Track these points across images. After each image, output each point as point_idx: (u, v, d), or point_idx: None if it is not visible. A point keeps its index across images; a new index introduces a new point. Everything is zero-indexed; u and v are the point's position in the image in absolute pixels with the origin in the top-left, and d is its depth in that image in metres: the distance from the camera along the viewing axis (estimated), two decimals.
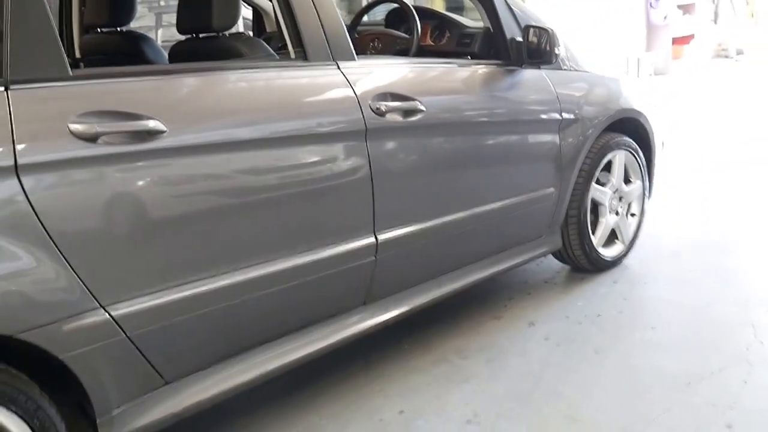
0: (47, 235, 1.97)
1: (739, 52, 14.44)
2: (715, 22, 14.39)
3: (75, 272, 2.02)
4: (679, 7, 12.53)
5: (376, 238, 2.81)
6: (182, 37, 2.85)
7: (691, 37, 12.94)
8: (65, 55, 2.08)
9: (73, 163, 2.02)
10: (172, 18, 3.03)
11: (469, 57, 3.58)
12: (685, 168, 6.73)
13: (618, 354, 3.27)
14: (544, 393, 2.97)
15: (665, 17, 11.87)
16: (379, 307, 2.98)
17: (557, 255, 4.08)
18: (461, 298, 3.62)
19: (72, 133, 2.01)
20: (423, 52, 3.67)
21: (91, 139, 2.04)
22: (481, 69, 3.34)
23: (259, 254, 2.46)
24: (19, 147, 1.92)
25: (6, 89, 1.94)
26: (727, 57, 14.28)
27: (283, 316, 2.64)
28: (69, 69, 2.08)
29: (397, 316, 3.04)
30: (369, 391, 3.01)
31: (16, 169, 1.92)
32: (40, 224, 1.95)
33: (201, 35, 2.78)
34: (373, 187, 2.74)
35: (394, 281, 2.99)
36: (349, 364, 3.20)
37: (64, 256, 2.00)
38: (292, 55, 2.70)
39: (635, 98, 4.19)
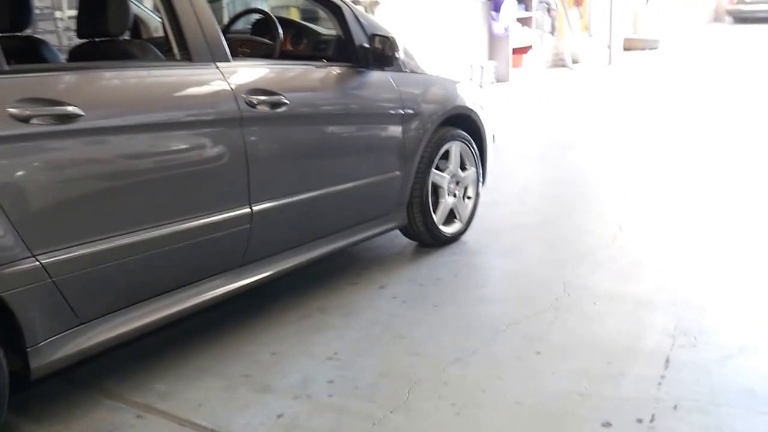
0: None
1: (575, 61, 15.55)
2: (552, 33, 15.51)
3: (13, 226, 2.54)
4: (518, 19, 13.53)
5: (251, 208, 3.39)
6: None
7: (529, 47, 13.98)
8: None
9: (11, 138, 2.54)
10: None
11: (324, 60, 4.19)
12: (514, 158, 7.57)
13: (453, 307, 3.94)
14: (392, 336, 3.61)
15: (505, 29, 12.84)
16: (254, 267, 3.56)
17: (405, 232, 4.73)
18: (322, 267, 4.29)
19: (11, 115, 2.52)
20: (285, 55, 4.27)
21: (25, 120, 2.56)
22: (334, 70, 3.98)
23: (155, 218, 3.01)
24: None
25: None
26: (563, 66, 15.37)
27: (175, 272, 3.19)
28: (5, 64, 2.59)
29: (269, 275, 3.62)
30: (245, 340, 3.59)
31: None
32: None
33: (98, 39, 3.31)
34: (248, 165, 3.33)
35: (265, 246, 3.58)
36: (228, 318, 3.76)
37: (5, 213, 2.51)
38: (178, 57, 3.26)
39: (469, 98, 4.89)
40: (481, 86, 12.15)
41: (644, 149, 7.61)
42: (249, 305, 3.88)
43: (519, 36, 13.46)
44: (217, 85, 3.23)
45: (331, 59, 4.20)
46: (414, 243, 4.88)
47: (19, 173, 2.58)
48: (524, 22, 13.65)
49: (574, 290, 4.06)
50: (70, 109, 2.67)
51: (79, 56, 3.37)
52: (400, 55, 4.13)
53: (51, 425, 2.90)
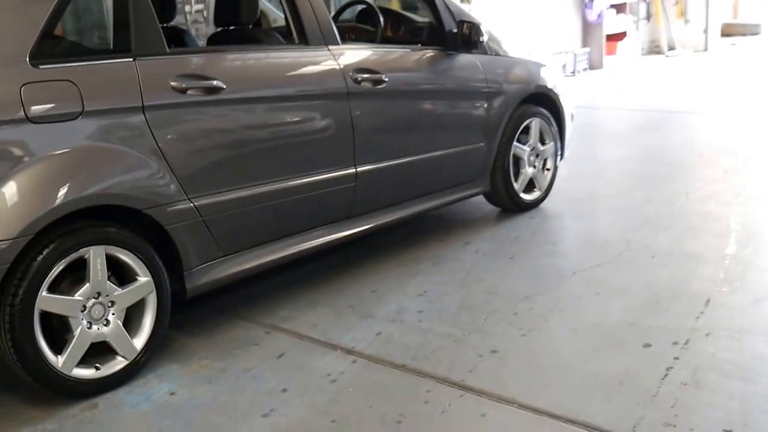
0: (159, 150, 3.23)
1: (671, 48, 15.67)
2: (648, 20, 15.72)
3: (174, 175, 3.29)
4: (613, 6, 13.84)
5: (356, 168, 4.08)
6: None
7: (624, 34, 14.28)
8: (163, 39, 3.35)
9: (173, 106, 3.29)
10: None
11: (419, 45, 4.85)
12: (599, 138, 8.08)
13: (526, 259, 4.55)
14: (472, 280, 4.25)
15: (598, 15, 13.20)
16: (358, 220, 4.24)
17: (489, 198, 5.33)
18: (415, 227, 5.00)
19: (173, 87, 3.28)
20: (385, 40, 4.95)
21: (182, 91, 3.31)
22: (427, 53, 4.63)
23: (281, 172, 3.72)
24: (144, 95, 3.18)
25: (134, 59, 3.20)
26: (659, 53, 15.55)
27: (295, 219, 3.90)
28: (166, 47, 3.35)
29: (371, 227, 4.30)
30: (350, 281, 4.29)
31: (143, 108, 3.18)
32: (155, 143, 3.22)
33: (231, 27, 4.05)
34: (353, 133, 4.01)
35: (367, 202, 4.25)
36: (335, 265, 4.48)
37: (168, 164, 3.27)
38: (296, 41, 3.98)
39: (551, 80, 5.46)
40: (573, 73, 12.58)
41: (731, 136, 7.89)
42: (353, 256, 4.59)
43: (613, 23, 13.76)
44: (329, 65, 3.93)
45: (425, 44, 4.85)
46: (497, 209, 5.48)
47: (179, 134, 3.32)
48: (619, 8, 13.94)
49: (636, 247, 4.60)
50: (216, 83, 3.40)
51: (216, 41, 4.13)
52: (485, 39, 4.74)
53: (199, 338, 3.66)
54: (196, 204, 3.37)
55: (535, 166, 5.39)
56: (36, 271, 2.88)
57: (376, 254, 4.66)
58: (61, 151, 2.96)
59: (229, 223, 3.54)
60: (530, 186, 5.45)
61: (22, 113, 2.84)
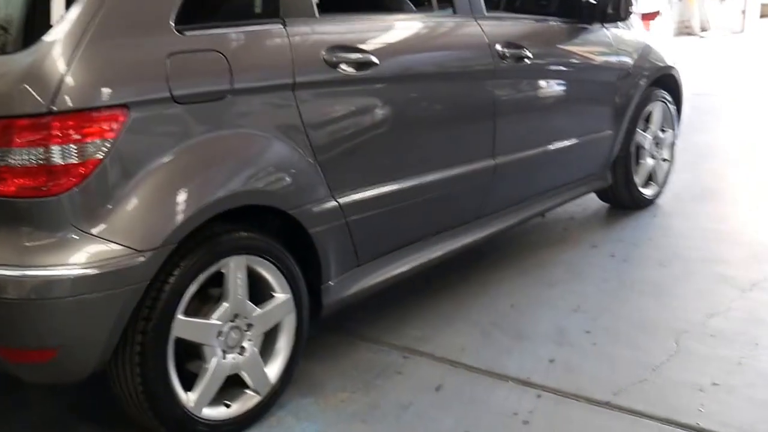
0: (307, 137, 2.60)
1: (704, 29, 15.09)
2: None
3: (320, 167, 2.66)
4: None
5: (494, 160, 3.46)
6: None
7: (657, 13, 13.67)
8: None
9: (325, 83, 2.65)
10: None
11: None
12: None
13: (680, 265, 3.94)
14: (628, 291, 3.65)
15: None
16: (488, 221, 3.62)
17: (601, 193, 4.72)
18: (521, 227, 4.28)
19: (324, 60, 2.63)
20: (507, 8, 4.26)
21: (334, 66, 2.67)
22: (562, 25, 3.98)
23: (424, 165, 3.11)
24: (296, 69, 2.54)
25: (283, 25, 2.56)
26: (690, 34, 14.95)
27: (432, 220, 3.28)
28: (316, 12, 2.71)
29: (501, 229, 3.69)
30: (475, 292, 3.66)
31: (293, 86, 2.54)
32: (304, 129, 2.58)
33: None
34: (495, 117, 3.39)
35: (499, 200, 3.64)
36: (447, 272, 3.80)
37: (314, 154, 2.63)
38: (436, 8, 3.37)
39: (670, 57, 4.86)
40: None
41: None
42: (464, 263, 3.92)
43: (647, 1, 13.13)
44: (477, 37, 3.31)
45: (553, 14, 4.14)
46: (603, 205, 4.89)
47: (327, 117, 2.70)
48: None
49: None
50: (370, 57, 2.75)
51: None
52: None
53: (322, 364, 3.02)
54: (341, 202, 2.75)
55: (654, 157, 4.77)
56: (173, 290, 2.26)
57: (487, 258, 4.05)
58: (205, 139, 2.35)
59: (369, 225, 2.93)
60: (647, 179, 4.85)
61: (167, 91, 2.23)
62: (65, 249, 2.10)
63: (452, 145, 3.24)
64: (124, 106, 2.13)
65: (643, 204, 4.81)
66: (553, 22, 3.94)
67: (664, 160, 4.93)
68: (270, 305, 2.56)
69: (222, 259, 2.38)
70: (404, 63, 2.98)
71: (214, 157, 2.36)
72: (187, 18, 2.33)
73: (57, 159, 2.06)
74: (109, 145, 2.11)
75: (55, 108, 2.03)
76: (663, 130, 4.84)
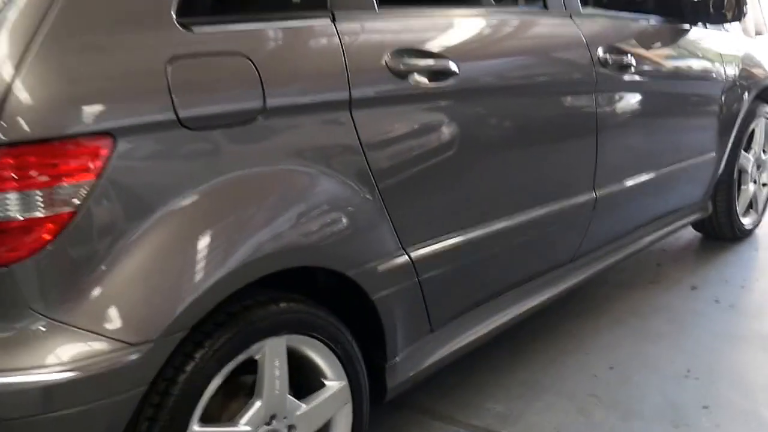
0: (370, 172, 1.93)
1: (758, 33, 14.27)
2: None
3: (388, 212, 1.99)
4: None
5: (595, 193, 2.81)
6: None
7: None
8: None
9: (391, 100, 1.99)
10: None
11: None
12: None
13: None
14: (744, 347, 3.00)
15: None
16: (582, 264, 2.96)
17: (696, 223, 4.01)
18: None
19: (389, 68, 1.96)
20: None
21: (402, 75, 2.00)
22: (663, 26, 3.29)
23: (515, 202, 2.45)
24: (351, 80, 1.87)
25: (332, 20, 1.89)
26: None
27: (521, 267, 2.64)
28: (376, 3, 2.04)
29: (595, 272, 3.03)
30: (565, 349, 3.00)
31: (350, 104, 1.87)
32: (365, 160, 1.91)
33: None
34: (597, 139, 2.72)
35: (596, 239, 2.97)
36: (532, 323, 3.12)
37: (381, 195, 1.97)
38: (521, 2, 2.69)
39: None
40: None
41: None
42: (547, 307, 3.20)
43: None
44: (575, 40, 2.64)
45: (650, 12, 3.43)
46: (696, 235, 4.24)
47: (395, 144, 2.05)
48: None
49: None
50: (447, 64, 2.09)
51: None
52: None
53: None
54: (414, 256, 2.10)
55: (755, 182, 4.06)
56: (184, 392, 1.61)
57: (576, 305, 3.36)
58: (227, 180, 1.67)
59: (448, 281, 2.29)
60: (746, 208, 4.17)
61: (171, 112, 1.57)
62: (22, 347, 1.45)
63: (548, 176, 2.60)
64: (107, 134, 1.48)
65: (743, 235, 4.14)
66: (652, 22, 3.23)
67: (764, 185, 4.21)
68: (319, 398, 1.92)
69: (254, 343, 1.74)
70: (490, 72, 2.32)
71: (240, 205, 1.70)
72: (197, 8, 1.70)
73: (10, 212, 1.40)
74: (86, 191, 1.46)
75: (2, 138, 1.37)
76: (765, 151, 4.12)
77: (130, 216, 1.51)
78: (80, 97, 1.45)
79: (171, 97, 1.56)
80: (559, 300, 2.97)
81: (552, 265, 2.80)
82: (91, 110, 1.46)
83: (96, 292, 1.48)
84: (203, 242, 1.60)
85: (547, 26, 2.62)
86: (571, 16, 2.67)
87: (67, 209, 1.44)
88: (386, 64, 1.97)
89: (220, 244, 1.62)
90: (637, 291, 3.56)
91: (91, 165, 1.45)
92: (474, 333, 2.46)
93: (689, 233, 4.21)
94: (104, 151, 1.46)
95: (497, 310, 2.57)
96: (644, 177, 3.09)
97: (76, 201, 1.44)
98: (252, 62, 1.70)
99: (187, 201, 1.59)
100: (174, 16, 1.62)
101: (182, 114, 1.57)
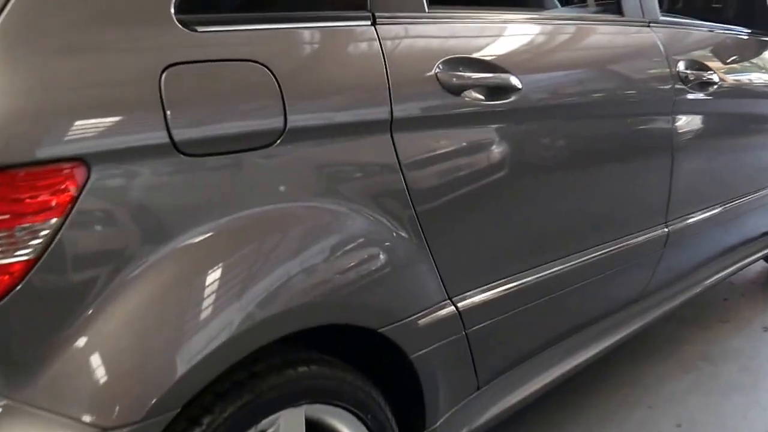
0: (413, 209, 1.59)
1: None
2: None
3: (433, 255, 1.66)
4: None
5: (667, 227, 2.46)
6: None
7: None
8: None
9: (440, 120, 1.65)
10: None
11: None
12: None
13: None
14: None
15: None
16: (649, 304, 2.60)
17: None
18: None
19: (440, 82, 1.62)
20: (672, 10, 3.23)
21: (455, 91, 1.66)
22: (741, 37, 2.95)
23: (579, 240, 2.11)
24: (393, 95, 1.53)
25: (373, 23, 1.55)
26: None
27: (581, 311, 2.30)
28: (425, 4, 1.70)
29: (663, 312, 2.66)
30: (626, 400, 2.66)
31: (391, 125, 1.54)
32: (407, 194, 1.58)
33: None
34: (672, 166, 2.37)
35: (666, 277, 2.61)
36: (590, 369, 2.78)
37: (425, 235, 1.63)
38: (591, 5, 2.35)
39: None
40: None
41: None
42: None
43: None
44: (654, 52, 2.29)
45: (729, 22, 3.08)
46: (765, 266, 3.85)
47: (445, 175, 1.71)
48: None
49: None
50: (510, 79, 1.74)
51: None
52: None
53: None
54: (461, 306, 1.75)
55: None
56: None
57: (635, 347, 2.98)
58: (237, 220, 1.35)
59: (499, 332, 1.94)
60: None
61: (164, 132, 1.25)
62: None
63: (617, 210, 2.26)
64: (79, 160, 1.16)
65: None
66: (736, 34, 2.87)
67: None
68: None
69: (266, 416, 1.39)
70: (556, 87, 1.98)
71: (249, 252, 1.37)
72: (204, 3, 1.38)
73: None
74: (48, 232, 1.14)
75: None
76: None
77: (106, 266, 1.19)
78: (41, 114, 1.13)
79: (164, 115, 1.23)
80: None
81: (615, 309, 2.44)
82: (55, 131, 1.14)
83: (60, 362, 1.16)
84: (201, 299, 1.27)
85: (622, 35, 2.27)
86: (649, 24, 2.31)
87: (23, 257, 1.11)
88: (436, 76, 1.63)
89: (222, 301, 1.29)
90: (704, 331, 3.21)
91: (54, 201, 1.13)
92: (527, 388, 2.12)
93: (758, 264, 3.80)
94: (73, 183, 1.14)
95: (553, 361, 2.22)
96: (721, 207, 2.73)
97: (33, 248, 1.11)
98: (271, 72, 1.37)
99: (181, 247, 1.26)
100: (173, 12, 1.30)
101: (178, 136, 1.24)
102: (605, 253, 2.20)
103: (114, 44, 1.23)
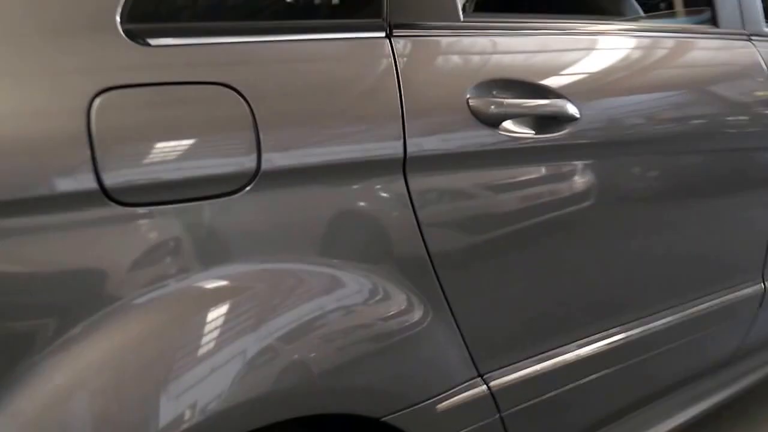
0: (433, 270, 1.26)
1: None
2: None
3: (456, 322, 1.32)
4: None
5: (764, 282, 2.04)
6: None
7: None
8: None
9: (471, 159, 1.31)
10: None
11: None
12: None
13: None
14: None
15: None
16: (741, 367, 2.21)
17: None
18: None
19: (472, 110, 1.29)
20: None
21: (492, 122, 1.32)
22: None
23: (654, 302, 1.74)
24: (407, 128, 1.20)
25: (389, 34, 1.23)
26: None
27: (656, 383, 1.92)
28: (459, 11, 1.37)
29: (753, 383, 2.26)
30: None
31: (404, 165, 1.21)
32: (426, 253, 1.24)
33: None
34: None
35: (763, 339, 2.22)
36: None
37: (448, 301, 1.30)
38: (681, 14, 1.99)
39: None
40: None
41: None
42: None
43: None
44: (756, 72, 1.89)
45: None
46: None
47: (476, 228, 1.37)
48: None
49: None
50: (566, 106, 1.39)
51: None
52: None
53: None
54: (494, 386, 1.41)
55: None
56: None
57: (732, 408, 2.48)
58: (187, 289, 1.03)
59: (542, 414, 1.59)
60: None
61: (91, 176, 0.94)
62: None
63: (699, 265, 1.87)
64: None
65: None
66: None
67: None
68: None
69: None
70: (626, 117, 1.60)
71: (205, 329, 1.05)
72: (160, 9, 1.09)
73: None
74: None
75: None
76: None
77: (13, 350, 0.90)
78: None
79: (92, 154, 0.93)
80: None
81: (690, 379, 2.06)
82: None
83: None
84: (142, 389, 0.97)
85: (716, 51, 1.89)
86: (750, 38, 1.92)
87: None
88: (467, 103, 1.30)
89: (167, 394, 0.99)
90: None
91: None
92: None
93: None
94: None
95: None
96: None
97: None
98: (242, 96, 1.06)
99: (117, 323, 0.96)
100: (118, 21, 1.00)
101: (109, 181, 0.95)
102: (689, 314, 1.84)
103: (29, 63, 0.94)
